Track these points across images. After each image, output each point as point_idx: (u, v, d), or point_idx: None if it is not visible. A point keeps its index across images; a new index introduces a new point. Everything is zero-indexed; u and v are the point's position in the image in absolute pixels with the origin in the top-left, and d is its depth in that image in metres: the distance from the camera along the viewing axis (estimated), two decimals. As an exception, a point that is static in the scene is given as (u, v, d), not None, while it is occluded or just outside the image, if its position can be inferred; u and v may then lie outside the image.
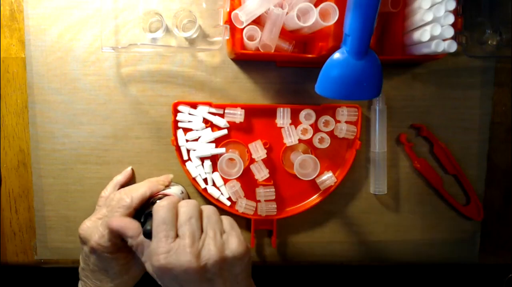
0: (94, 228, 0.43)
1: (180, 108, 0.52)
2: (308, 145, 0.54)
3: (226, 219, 0.39)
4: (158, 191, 0.46)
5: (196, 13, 0.51)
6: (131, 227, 0.39)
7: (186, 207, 0.37)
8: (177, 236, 0.35)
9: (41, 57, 0.52)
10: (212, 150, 0.52)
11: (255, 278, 0.38)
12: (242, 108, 0.52)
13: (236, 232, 0.37)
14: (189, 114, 0.52)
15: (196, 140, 0.53)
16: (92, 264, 0.43)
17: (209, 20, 0.53)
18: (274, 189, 0.53)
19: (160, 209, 0.36)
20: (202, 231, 0.36)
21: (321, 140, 0.53)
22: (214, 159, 0.53)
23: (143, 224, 0.39)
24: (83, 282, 0.44)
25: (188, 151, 0.53)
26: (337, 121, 0.54)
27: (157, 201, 0.40)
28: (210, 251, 0.34)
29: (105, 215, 0.45)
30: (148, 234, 0.37)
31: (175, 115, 0.52)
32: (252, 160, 0.53)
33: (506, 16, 0.53)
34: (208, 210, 0.38)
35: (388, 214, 0.57)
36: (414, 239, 0.57)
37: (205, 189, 0.53)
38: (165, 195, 0.45)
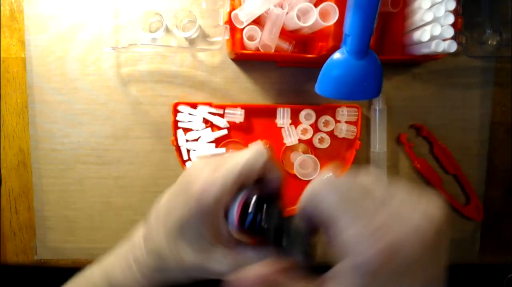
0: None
1: (180, 108, 0.52)
2: (308, 145, 0.54)
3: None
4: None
5: (196, 13, 0.51)
6: None
7: (365, 177, 0.24)
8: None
9: (41, 57, 0.52)
10: (212, 150, 0.52)
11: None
12: (242, 108, 0.52)
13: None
14: (189, 114, 0.52)
15: (196, 140, 0.53)
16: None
17: (209, 20, 0.53)
18: (274, 189, 0.53)
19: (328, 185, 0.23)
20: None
21: (321, 140, 0.53)
22: (214, 159, 0.53)
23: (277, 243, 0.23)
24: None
25: (188, 151, 0.53)
26: (337, 121, 0.54)
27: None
28: (431, 204, 0.22)
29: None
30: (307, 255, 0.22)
31: (175, 115, 0.52)
32: (252, 160, 0.53)
33: (506, 16, 0.53)
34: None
35: (388, 214, 0.57)
36: (414, 239, 0.57)
37: (205, 189, 0.53)
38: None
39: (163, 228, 0.27)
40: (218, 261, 0.26)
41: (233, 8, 0.46)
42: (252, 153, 0.27)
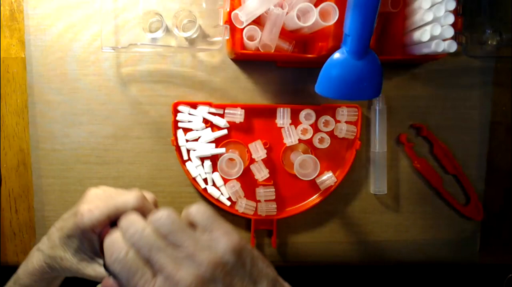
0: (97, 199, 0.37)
1: (180, 108, 0.52)
2: (308, 145, 0.54)
3: (197, 212, 0.29)
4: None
5: (196, 13, 0.51)
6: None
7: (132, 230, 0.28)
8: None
9: (41, 57, 0.52)
10: (212, 150, 0.52)
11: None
12: (242, 108, 0.52)
13: (218, 224, 0.28)
14: (189, 114, 0.52)
15: (196, 140, 0.53)
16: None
17: (209, 20, 0.53)
18: (274, 189, 0.53)
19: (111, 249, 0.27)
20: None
21: (321, 140, 0.53)
22: (214, 159, 0.53)
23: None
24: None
25: (188, 151, 0.53)
26: (337, 121, 0.54)
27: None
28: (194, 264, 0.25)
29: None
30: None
31: (175, 115, 0.52)
32: (252, 160, 0.53)
33: (506, 16, 0.53)
34: (160, 217, 0.27)
35: (388, 214, 0.57)
36: (414, 239, 0.57)
37: (205, 189, 0.53)
38: None
39: (58, 233, 0.37)
40: (93, 269, 0.37)
41: (233, 8, 0.46)
42: (128, 197, 0.34)
